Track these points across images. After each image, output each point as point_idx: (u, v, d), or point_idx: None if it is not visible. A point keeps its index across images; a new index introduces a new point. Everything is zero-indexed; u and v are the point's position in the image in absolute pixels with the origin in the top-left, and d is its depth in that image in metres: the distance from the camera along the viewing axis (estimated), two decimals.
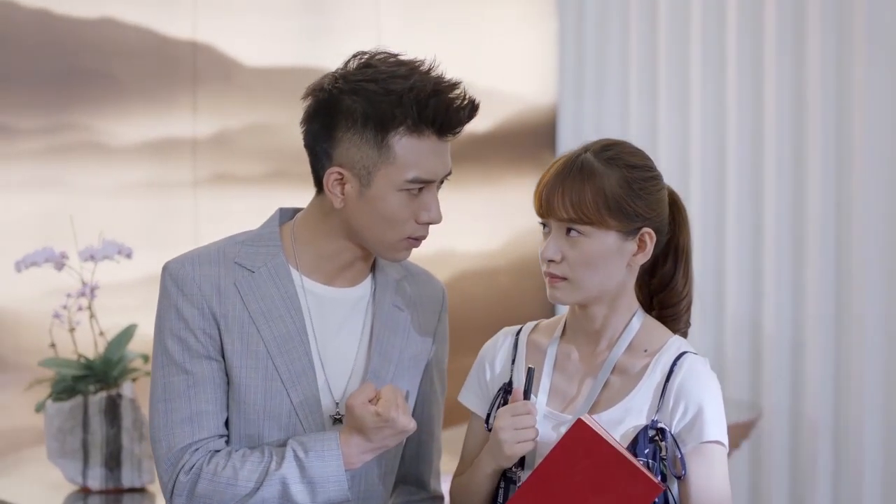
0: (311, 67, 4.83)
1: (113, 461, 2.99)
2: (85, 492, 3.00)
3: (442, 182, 1.96)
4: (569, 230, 1.88)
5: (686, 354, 1.94)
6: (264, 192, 4.62)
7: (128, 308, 3.56)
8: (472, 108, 1.90)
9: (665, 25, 4.87)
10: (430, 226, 1.95)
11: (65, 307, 3.08)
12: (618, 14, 5.02)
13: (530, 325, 2.06)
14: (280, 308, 1.92)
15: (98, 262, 3.06)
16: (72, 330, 3.08)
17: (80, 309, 3.07)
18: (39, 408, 3.07)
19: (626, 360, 1.94)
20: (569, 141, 5.14)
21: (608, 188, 1.87)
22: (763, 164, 4.63)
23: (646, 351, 1.95)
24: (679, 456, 1.87)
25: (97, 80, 4.49)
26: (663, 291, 2.02)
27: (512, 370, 1.99)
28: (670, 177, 4.90)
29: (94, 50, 4.53)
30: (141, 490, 3.01)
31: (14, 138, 4.44)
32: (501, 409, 1.90)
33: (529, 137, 5.14)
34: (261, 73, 4.68)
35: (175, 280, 1.92)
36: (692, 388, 1.89)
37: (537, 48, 5.19)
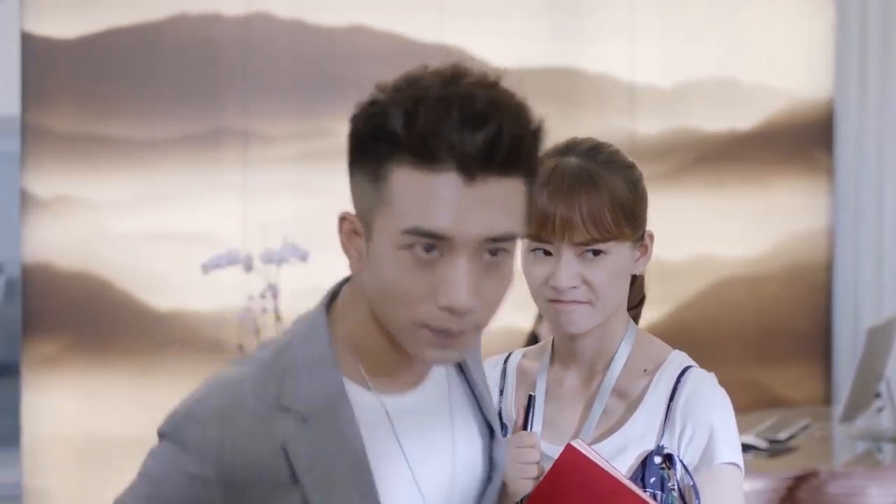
0: (562, 68, 4.72)
1: None
2: None
3: (496, 252, 1.28)
4: (585, 252, 1.64)
5: (690, 369, 1.72)
6: None
7: None
8: (514, 142, 1.26)
9: None
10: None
11: (247, 309, 3.15)
12: None
13: (518, 352, 1.84)
14: (344, 472, 1.32)
15: (278, 265, 3.11)
16: (257, 332, 3.14)
17: (263, 311, 3.13)
18: None
19: (625, 381, 1.73)
20: (848, 138, 4.77)
21: (620, 195, 1.66)
22: None
23: (645, 370, 1.73)
24: (691, 484, 1.66)
25: (347, 86, 4.58)
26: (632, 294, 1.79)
27: (501, 401, 1.79)
28: None
29: (344, 57, 4.64)
30: None
31: (269, 144, 4.61)
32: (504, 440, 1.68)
33: (801, 135, 4.81)
34: (510, 74, 4.61)
35: (186, 449, 1.29)
36: (700, 407, 1.67)
37: (809, 39, 4.84)
